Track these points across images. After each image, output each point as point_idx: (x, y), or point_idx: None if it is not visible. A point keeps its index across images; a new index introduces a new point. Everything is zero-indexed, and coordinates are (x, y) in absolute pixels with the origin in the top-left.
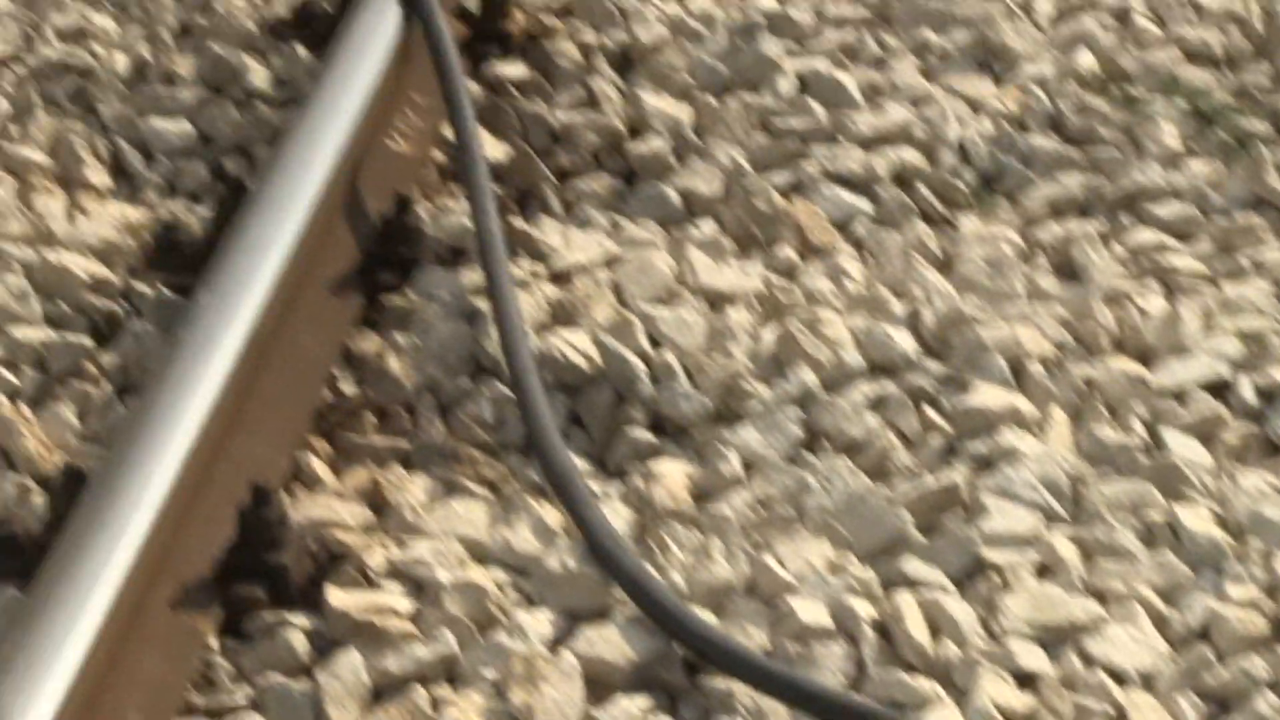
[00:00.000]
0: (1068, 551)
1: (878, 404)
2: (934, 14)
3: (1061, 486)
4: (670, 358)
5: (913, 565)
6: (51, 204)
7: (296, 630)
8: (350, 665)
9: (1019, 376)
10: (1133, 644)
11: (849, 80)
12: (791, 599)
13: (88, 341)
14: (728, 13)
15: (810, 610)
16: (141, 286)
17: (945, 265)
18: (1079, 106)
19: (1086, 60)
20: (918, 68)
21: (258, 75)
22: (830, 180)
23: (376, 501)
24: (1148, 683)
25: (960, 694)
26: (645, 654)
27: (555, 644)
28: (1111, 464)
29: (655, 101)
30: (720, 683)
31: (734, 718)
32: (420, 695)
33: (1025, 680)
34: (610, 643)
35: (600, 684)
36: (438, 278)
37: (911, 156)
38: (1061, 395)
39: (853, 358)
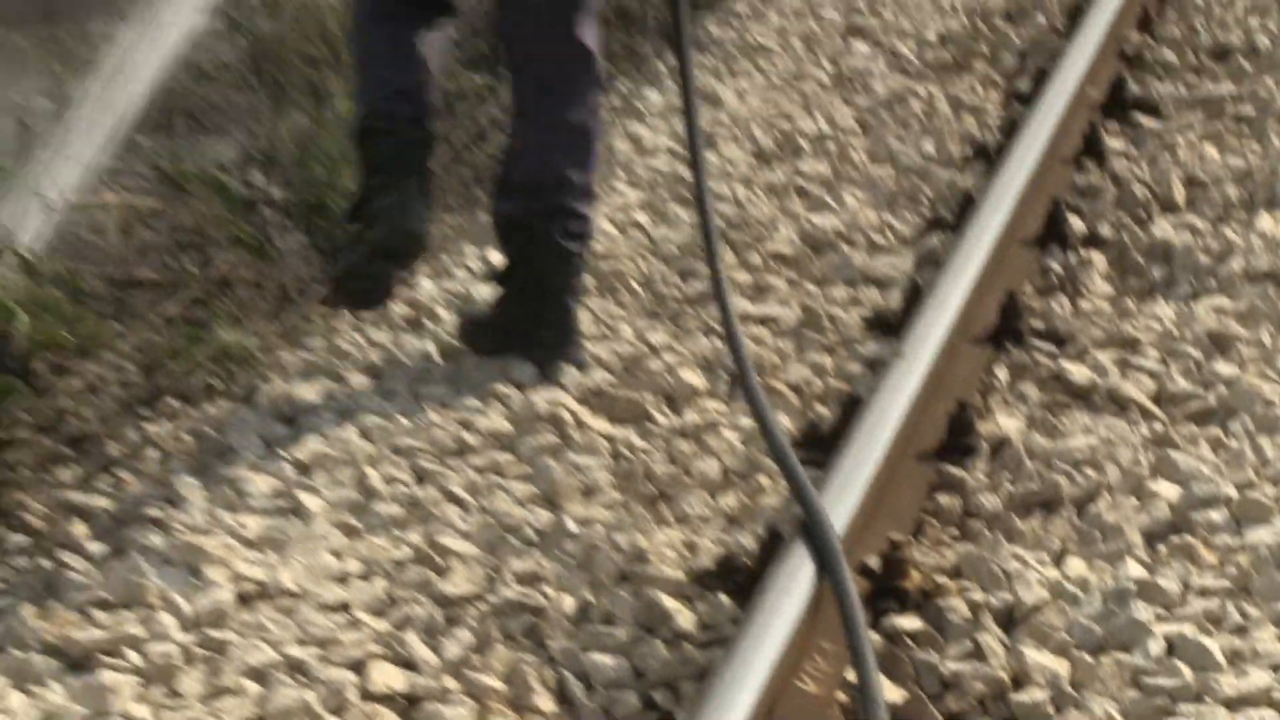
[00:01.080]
0: None
1: None
2: None
3: None
4: None
5: None
6: None
7: None
8: None
9: None
10: None
11: (1213, 645)
12: None
13: None
14: (1101, 578)
15: None
16: None
17: None
18: None
19: None
20: (1277, 636)
21: (685, 618)
22: None
23: None
24: None
25: None
26: None
27: None
28: None
29: (1036, 656)
30: None
31: None
32: None
33: None
34: None
35: None
36: None
37: (1271, 718)
38: None
39: None
